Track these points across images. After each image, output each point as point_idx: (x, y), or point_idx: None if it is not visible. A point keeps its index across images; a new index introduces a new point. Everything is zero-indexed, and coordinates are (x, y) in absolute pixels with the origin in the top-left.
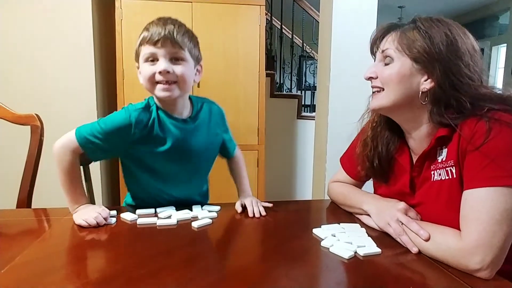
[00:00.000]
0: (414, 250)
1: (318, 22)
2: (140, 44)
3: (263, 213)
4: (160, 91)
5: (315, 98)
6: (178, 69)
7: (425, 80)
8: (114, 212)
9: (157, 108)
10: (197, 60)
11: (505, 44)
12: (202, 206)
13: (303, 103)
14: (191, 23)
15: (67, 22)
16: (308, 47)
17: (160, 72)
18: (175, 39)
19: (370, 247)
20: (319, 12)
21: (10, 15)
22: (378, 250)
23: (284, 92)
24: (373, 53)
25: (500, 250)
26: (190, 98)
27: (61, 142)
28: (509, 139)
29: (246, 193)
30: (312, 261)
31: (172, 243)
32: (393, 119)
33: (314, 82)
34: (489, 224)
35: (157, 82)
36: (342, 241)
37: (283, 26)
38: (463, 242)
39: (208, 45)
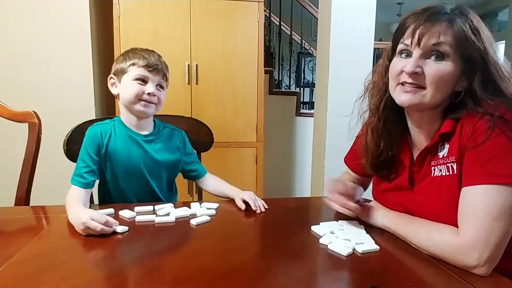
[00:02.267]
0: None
1: (317, 18)
2: (132, 65)
3: (266, 206)
4: (141, 106)
5: (314, 95)
6: (160, 94)
7: (463, 80)
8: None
9: (118, 124)
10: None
11: (504, 41)
12: (200, 204)
13: (301, 100)
14: (190, 20)
15: (64, 19)
16: (307, 44)
17: (148, 94)
18: (164, 72)
19: (368, 244)
20: (318, 8)
21: (8, 11)
22: (377, 247)
23: (283, 89)
24: (413, 44)
25: (497, 247)
26: (154, 121)
27: (67, 196)
28: (507, 138)
29: (240, 190)
30: (311, 258)
31: (170, 241)
32: (414, 114)
33: (313, 79)
34: (486, 221)
35: (140, 100)
36: (340, 238)
37: (281, 22)
38: (460, 239)
39: (206, 42)
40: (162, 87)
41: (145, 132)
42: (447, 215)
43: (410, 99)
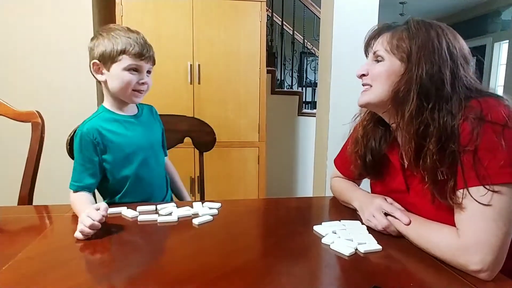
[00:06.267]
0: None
1: (319, 18)
2: (122, 53)
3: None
4: (133, 96)
5: (316, 95)
6: (149, 81)
7: (404, 77)
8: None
9: (104, 114)
10: None
11: (507, 41)
12: (202, 203)
13: (304, 99)
14: (192, 19)
15: (67, 19)
16: (309, 44)
17: (142, 83)
18: (153, 56)
19: (370, 244)
20: (320, 8)
21: (10, 12)
22: (379, 247)
23: (285, 89)
24: (366, 53)
25: (500, 249)
26: None
27: (71, 203)
28: (494, 137)
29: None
30: (313, 258)
31: (172, 240)
32: (381, 115)
33: (315, 78)
34: (484, 222)
35: (133, 90)
36: (342, 238)
37: (284, 22)
38: (460, 240)
39: (208, 41)
40: (150, 72)
41: (131, 113)
42: (443, 215)
43: (361, 99)
